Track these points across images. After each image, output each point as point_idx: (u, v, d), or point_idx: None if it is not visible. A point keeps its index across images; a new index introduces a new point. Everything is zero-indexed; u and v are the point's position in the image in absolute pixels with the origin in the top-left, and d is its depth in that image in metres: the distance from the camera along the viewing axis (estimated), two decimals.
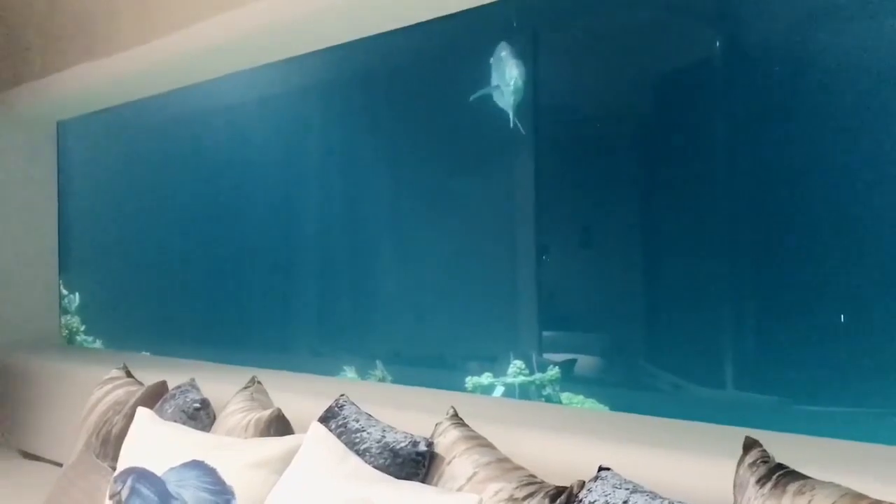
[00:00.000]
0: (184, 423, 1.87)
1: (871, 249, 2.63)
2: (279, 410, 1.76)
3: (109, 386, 2.28)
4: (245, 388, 1.93)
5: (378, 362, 4.00)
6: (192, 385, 2.04)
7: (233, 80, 2.97)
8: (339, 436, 1.53)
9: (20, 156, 3.54)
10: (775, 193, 2.86)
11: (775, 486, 1.02)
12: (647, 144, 3.29)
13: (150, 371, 2.39)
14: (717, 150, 3.05)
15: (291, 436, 1.66)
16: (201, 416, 1.92)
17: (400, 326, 4.15)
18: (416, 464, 1.44)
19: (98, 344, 5.17)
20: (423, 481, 1.42)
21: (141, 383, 2.26)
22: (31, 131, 3.58)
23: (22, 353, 3.19)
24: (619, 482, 1.14)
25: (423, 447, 1.45)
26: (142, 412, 1.86)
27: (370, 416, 1.61)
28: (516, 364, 3.56)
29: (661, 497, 1.10)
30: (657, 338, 3.29)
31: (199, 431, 1.79)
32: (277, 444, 1.58)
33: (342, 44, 2.42)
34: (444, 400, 1.77)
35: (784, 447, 1.15)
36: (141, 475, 1.64)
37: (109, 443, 2.05)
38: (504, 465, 1.36)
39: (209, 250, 4.93)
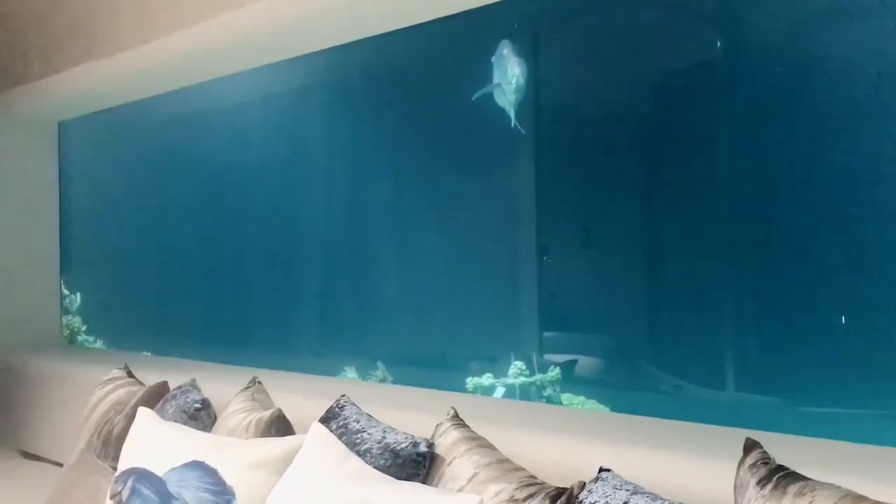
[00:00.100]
0: (185, 424, 1.87)
1: (873, 250, 2.63)
2: (280, 411, 1.76)
3: (111, 386, 2.28)
4: (246, 388, 1.93)
5: (379, 363, 4.00)
6: (193, 385, 2.04)
7: (234, 80, 2.97)
8: (339, 436, 1.53)
9: (21, 156, 3.54)
10: (777, 194, 2.85)
11: (776, 487, 1.01)
12: (649, 144, 3.29)
13: (151, 371, 2.39)
14: (719, 150, 3.05)
15: (292, 436, 1.66)
16: (202, 416, 1.93)
17: (401, 327, 4.15)
18: (417, 464, 1.44)
19: (99, 344, 5.17)
20: (423, 482, 1.42)
21: (142, 383, 2.27)
22: (33, 131, 3.58)
23: (23, 353, 3.19)
24: (619, 483, 1.14)
25: (423, 448, 1.45)
26: (143, 412, 1.86)
27: (371, 416, 1.61)
28: (517, 365, 3.55)
29: (661, 498, 1.10)
30: (658, 339, 3.29)
31: (199, 432, 1.79)
32: (278, 444, 1.58)
33: (343, 44, 2.42)
34: (444, 401, 1.78)
35: (785, 448, 1.15)
36: (142, 475, 1.64)
37: (110, 443, 2.05)
38: (505, 465, 1.36)
39: (210, 250, 4.93)
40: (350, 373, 4.09)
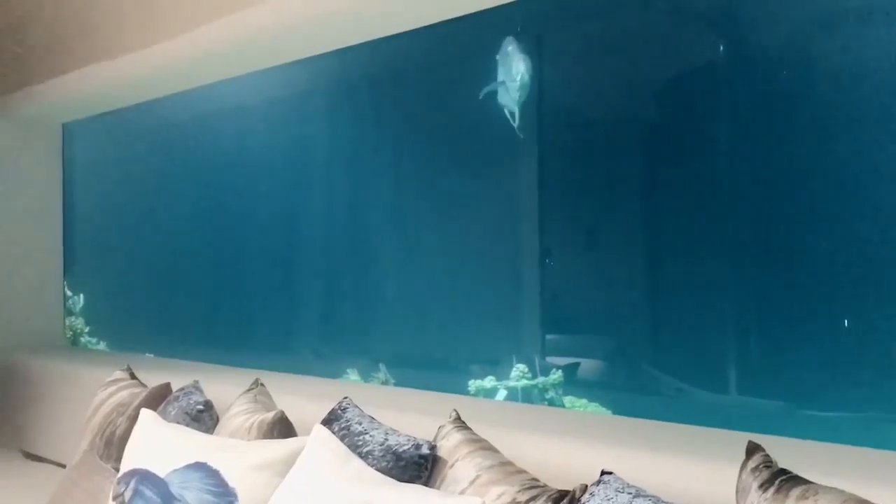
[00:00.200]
0: (187, 425, 1.87)
1: (876, 253, 2.62)
2: (282, 413, 1.76)
3: (113, 387, 2.28)
4: (248, 390, 1.94)
5: (381, 365, 4.00)
6: (196, 387, 2.04)
7: (238, 82, 2.98)
8: (341, 438, 1.53)
9: (25, 158, 3.56)
10: (780, 197, 2.85)
11: (778, 490, 1.01)
12: (652, 146, 3.29)
13: (153, 373, 2.40)
14: (722, 153, 3.05)
15: (294, 438, 1.66)
16: (204, 417, 1.93)
17: (403, 329, 4.15)
18: (419, 467, 1.44)
19: (102, 345, 5.19)
20: (425, 484, 1.42)
21: (144, 385, 2.27)
22: (36, 133, 3.59)
23: (26, 354, 3.20)
24: (621, 486, 1.14)
25: (425, 450, 1.45)
26: (145, 414, 1.86)
27: (373, 418, 1.61)
28: (519, 367, 3.55)
29: (663, 501, 1.10)
30: (660, 341, 3.29)
31: (202, 433, 1.80)
32: (280, 446, 1.58)
33: (347, 47, 2.43)
34: (446, 403, 1.78)
35: (787, 452, 1.15)
36: (144, 477, 1.65)
37: (113, 444, 2.05)
38: (507, 468, 1.36)
39: (213, 252, 4.94)
40: (352, 375, 4.10)
